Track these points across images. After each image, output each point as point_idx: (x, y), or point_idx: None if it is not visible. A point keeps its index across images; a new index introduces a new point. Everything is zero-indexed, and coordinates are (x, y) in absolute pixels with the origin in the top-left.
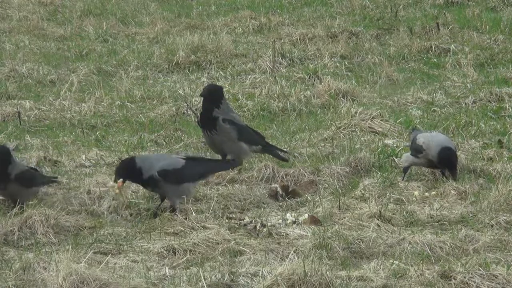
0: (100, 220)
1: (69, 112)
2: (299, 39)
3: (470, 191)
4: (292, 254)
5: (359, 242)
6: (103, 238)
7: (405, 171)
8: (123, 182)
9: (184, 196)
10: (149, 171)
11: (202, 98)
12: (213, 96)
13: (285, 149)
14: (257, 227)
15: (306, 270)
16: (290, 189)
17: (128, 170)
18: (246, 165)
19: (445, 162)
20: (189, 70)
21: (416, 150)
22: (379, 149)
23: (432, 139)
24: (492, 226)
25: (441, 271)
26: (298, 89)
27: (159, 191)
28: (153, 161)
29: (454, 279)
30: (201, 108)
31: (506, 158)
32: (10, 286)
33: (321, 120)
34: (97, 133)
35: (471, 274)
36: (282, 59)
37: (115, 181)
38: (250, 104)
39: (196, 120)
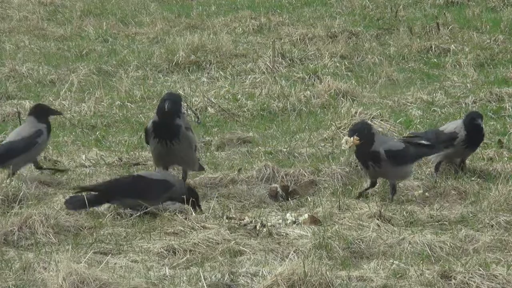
0: (100, 220)
1: (69, 112)
2: (299, 39)
3: (470, 191)
4: (292, 254)
5: (359, 242)
6: (103, 238)
7: (437, 169)
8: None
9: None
10: (379, 144)
11: (167, 105)
12: (177, 105)
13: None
14: (257, 227)
15: (306, 270)
16: (290, 189)
17: (365, 133)
18: (246, 165)
19: (471, 123)
20: (189, 70)
21: (451, 138)
22: None
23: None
24: (492, 226)
25: (441, 271)
26: (298, 89)
27: (373, 172)
28: (383, 139)
29: (454, 279)
30: (158, 117)
31: (506, 158)
32: (10, 286)
33: (321, 120)
34: (97, 133)
35: (471, 274)
36: (282, 59)
37: (350, 136)
38: (250, 104)
39: (150, 128)
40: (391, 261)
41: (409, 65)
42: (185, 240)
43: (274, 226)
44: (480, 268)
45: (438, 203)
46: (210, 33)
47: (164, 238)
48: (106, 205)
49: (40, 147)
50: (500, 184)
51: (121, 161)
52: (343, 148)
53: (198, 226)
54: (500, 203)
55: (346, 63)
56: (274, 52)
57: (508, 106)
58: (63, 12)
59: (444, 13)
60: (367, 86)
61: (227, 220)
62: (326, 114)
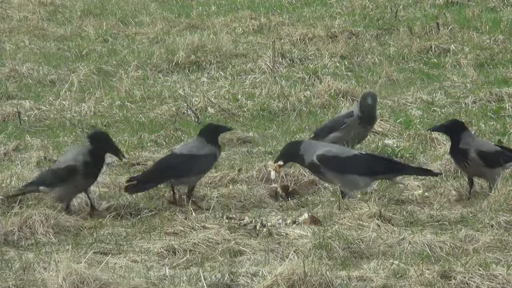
0: (100, 220)
1: (69, 112)
2: (299, 39)
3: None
4: (292, 254)
5: (359, 242)
6: (103, 238)
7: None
8: (282, 165)
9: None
10: (310, 156)
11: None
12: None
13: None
14: (257, 227)
15: (306, 270)
16: (290, 189)
17: (291, 154)
18: (246, 165)
19: None
20: (189, 70)
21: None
22: (379, 149)
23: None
24: (492, 226)
25: (441, 271)
26: (298, 89)
27: (324, 179)
28: (317, 147)
29: (454, 279)
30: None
31: None
32: (10, 286)
33: (321, 120)
34: None
35: (471, 274)
36: (282, 59)
37: (275, 162)
38: (250, 104)
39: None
40: (391, 261)
41: (409, 65)
42: (185, 240)
43: (274, 226)
44: (480, 268)
45: (438, 203)
46: (210, 33)
47: (164, 238)
48: (105, 205)
49: None
50: (500, 184)
51: (121, 161)
52: (272, 178)
53: (198, 226)
54: (500, 203)
55: (346, 63)
56: (274, 52)
57: (508, 106)
58: (63, 12)
59: (444, 13)
60: (367, 86)
61: (227, 220)
62: (326, 114)
